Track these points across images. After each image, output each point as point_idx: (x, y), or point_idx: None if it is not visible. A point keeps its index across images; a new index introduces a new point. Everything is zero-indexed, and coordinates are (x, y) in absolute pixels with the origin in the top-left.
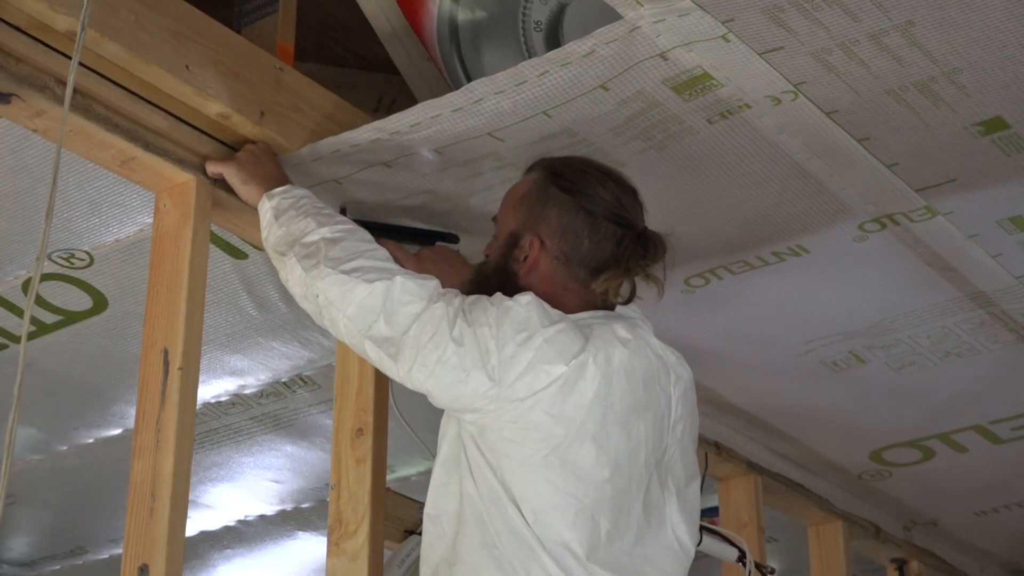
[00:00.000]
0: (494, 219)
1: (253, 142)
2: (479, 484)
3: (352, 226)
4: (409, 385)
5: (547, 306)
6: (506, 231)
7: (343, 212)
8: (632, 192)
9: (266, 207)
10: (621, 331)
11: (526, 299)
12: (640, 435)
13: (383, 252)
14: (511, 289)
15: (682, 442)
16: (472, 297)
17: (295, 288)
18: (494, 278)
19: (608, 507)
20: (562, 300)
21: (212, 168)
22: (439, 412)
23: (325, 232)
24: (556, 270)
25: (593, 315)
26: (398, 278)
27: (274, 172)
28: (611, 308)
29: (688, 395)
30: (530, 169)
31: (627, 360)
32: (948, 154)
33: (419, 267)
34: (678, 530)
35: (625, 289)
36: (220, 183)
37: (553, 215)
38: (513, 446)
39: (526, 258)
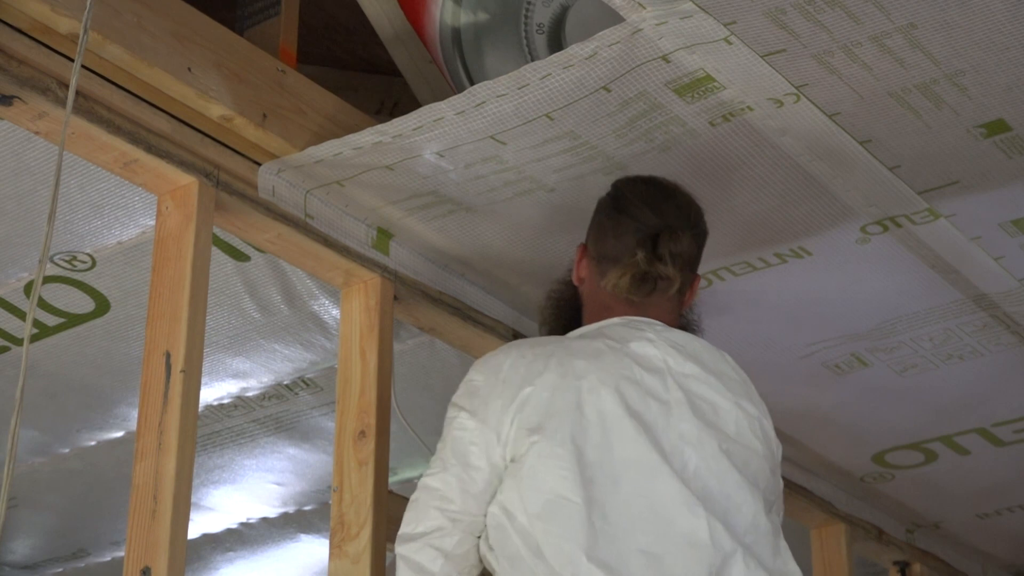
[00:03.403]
0: None
1: (255, 144)
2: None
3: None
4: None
5: (488, 359)
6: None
7: None
8: (665, 193)
9: None
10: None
11: (477, 379)
12: (642, 439)
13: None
14: (572, 300)
15: (703, 451)
16: (443, 434)
17: None
18: (563, 292)
19: (609, 506)
20: (596, 310)
21: None
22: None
23: None
24: (592, 272)
25: (584, 330)
26: (416, 494)
27: None
28: (632, 305)
29: (698, 403)
30: None
31: (595, 375)
32: (950, 156)
33: None
34: (698, 525)
35: (636, 284)
36: (222, 185)
37: (593, 219)
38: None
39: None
